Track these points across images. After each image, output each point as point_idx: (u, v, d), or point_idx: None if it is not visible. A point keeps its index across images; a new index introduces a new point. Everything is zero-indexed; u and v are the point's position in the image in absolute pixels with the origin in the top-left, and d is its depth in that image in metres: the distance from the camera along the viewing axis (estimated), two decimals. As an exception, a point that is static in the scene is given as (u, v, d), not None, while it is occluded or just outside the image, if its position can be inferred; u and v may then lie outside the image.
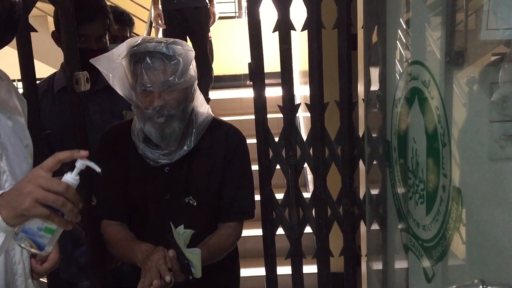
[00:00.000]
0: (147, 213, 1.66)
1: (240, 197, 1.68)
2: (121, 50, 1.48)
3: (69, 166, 1.07)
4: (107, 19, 1.99)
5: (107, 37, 2.00)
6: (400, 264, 1.66)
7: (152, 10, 4.36)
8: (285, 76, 1.91)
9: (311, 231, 2.04)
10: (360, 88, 1.97)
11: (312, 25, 1.85)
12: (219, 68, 5.52)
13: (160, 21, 4.20)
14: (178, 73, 1.47)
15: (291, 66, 1.91)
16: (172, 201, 1.63)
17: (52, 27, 2.03)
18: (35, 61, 1.74)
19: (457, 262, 1.20)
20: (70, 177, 1.02)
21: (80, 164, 1.05)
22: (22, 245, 1.04)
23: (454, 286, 0.90)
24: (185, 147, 1.60)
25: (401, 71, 1.46)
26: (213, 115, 1.71)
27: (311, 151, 1.97)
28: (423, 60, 1.29)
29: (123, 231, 1.65)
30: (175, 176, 1.63)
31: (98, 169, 1.08)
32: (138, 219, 1.68)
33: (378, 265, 1.91)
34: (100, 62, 1.49)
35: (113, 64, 1.48)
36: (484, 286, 0.90)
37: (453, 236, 1.18)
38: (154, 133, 1.52)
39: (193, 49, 1.58)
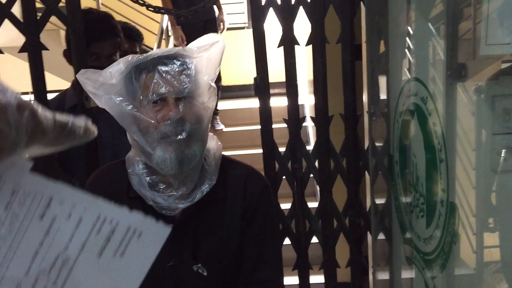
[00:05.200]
0: (144, 284, 1.27)
1: (264, 262, 1.33)
2: (115, 69, 1.20)
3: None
4: (118, 37, 2.04)
5: (118, 55, 2.05)
6: (406, 276, 1.67)
7: (171, 30, 4.40)
8: (290, 90, 1.94)
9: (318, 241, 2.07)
10: (365, 99, 2.00)
11: (316, 40, 1.88)
12: (228, 78, 5.57)
13: (182, 42, 4.24)
14: (205, 69, 1.19)
15: (296, 80, 1.94)
16: (177, 269, 1.28)
17: (64, 41, 2.09)
18: (47, 73, 1.79)
19: (456, 274, 1.22)
20: None
21: None
22: None
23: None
24: (207, 182, 1.25)
25: (402, 85, 1.49)
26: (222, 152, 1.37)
27: (316, 163, 2.00)
28: (422, 77, 1.32)
29: None
30: (180, 237, 1.28)
31: None
32: None
33: (384, 276, 1.93)
34: (88, 82, 1.20)
35: (104, 85, 1.19)
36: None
37: (451, 250, 1.20)
38: (170, 158, 1.17)
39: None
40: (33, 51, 1.77)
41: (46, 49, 1.77)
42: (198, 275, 1.27)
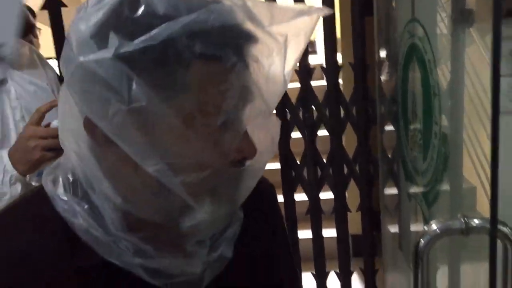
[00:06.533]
0: None
1: None
2: None
3: None
4: None
5: None
6: (408, 213, 1.74)
7: None
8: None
9: (330, 197, 2.14)
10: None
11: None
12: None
13: None
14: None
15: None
16: None
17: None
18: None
19: (447, 203, 1.29)
20: (56, 123, 1.21)
21: None
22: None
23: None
24: (234, 221, 0.69)
25: (404, 26, 1.53)
26: None
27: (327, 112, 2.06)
28: (419, 18, 1.37)
29: None
30: None
31: None
32: None
33: (394, 226, 2.00)
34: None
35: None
36: (466, 219, 1.01)
37: (442, 178, 1.26)
38: (219, 217, 0.61)
39: None
40: (52, 8, 1.85)
41: (65, 5, 1.85)
42: None
